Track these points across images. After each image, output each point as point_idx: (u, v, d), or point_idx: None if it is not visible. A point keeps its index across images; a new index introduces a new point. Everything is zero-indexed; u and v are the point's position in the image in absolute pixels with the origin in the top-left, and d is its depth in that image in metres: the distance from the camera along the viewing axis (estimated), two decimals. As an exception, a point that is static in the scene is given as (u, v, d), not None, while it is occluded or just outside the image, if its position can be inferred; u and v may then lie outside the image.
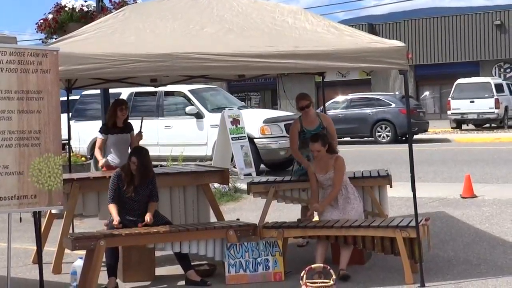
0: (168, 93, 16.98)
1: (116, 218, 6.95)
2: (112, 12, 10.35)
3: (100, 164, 8.58)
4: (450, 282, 6.69)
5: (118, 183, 7.13)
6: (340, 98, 27.19)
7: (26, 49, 5.91)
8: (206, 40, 6.87)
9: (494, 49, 39.97)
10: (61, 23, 11.26)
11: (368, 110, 25.58)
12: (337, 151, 7.54)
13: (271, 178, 8.65)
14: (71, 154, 10.89)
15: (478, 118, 29.32)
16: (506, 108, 29.30)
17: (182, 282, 7.09)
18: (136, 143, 8.60)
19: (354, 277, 6.95)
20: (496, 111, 28.78)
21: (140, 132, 8.91)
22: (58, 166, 6.00)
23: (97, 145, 8.76)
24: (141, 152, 7.20)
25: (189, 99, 16.76)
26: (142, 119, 8.98)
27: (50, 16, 11.35)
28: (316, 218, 7.71)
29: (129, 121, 8.85)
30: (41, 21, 11.50)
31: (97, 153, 8.74)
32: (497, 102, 28.72)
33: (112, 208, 7.06)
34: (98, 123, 10.31)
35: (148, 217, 7.05)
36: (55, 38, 10.78)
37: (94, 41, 6.77)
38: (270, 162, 16.30)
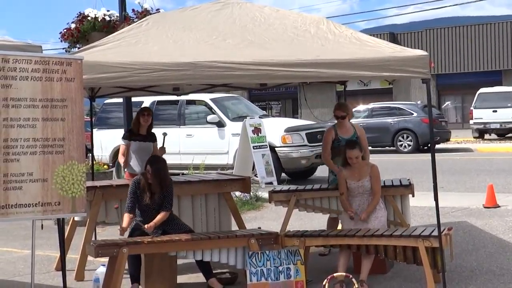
0: (189, 102, 17.08)
1: (124, 224, 6.95)
2: (134, 21, 10.42)
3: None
4: (473, 292, 6.66)
5: (137, 190, 7.16)
6: (361, 107, 27.15)
7: (51, 58, 5.97)
8: (228, 50, 6.90)
9: (517, 58, 39.70)
10: (84, 32, 11.33)
11: (389, 119, 25.51)
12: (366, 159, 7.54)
13: (293, 187, 8.65)
14: (94, 162, 10.96)
15: (500, 128, 29.12)
16: (529, 118, 29.11)
17: (204, 290, 7.11)
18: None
19: (376, 287, 6.92)
20: (519, 120, 28.59)
21: (162, 147, 8.95)
22: (81, 174, 6.05)
23: (121, 151, 8.86)
24: (155, 162, 7.22)
25: (210, 108, 16.83)
26: (164, 136, 9.02)
27: (73, 25, 11.43)
28: (339, 227, 7.71)
29: (153, 131, 8.91)
30: (65, 30, 11.59)
31: (120, 159, 8.84)
32: (520, 111, 28.52)
33: (125, 217, 7.08)
34: (120, 132, 10.37)
35: (147, 225, 6.99)
36: (78, 47, 10.85)
37: (117, 50, 6.82)
38: (291, 171, 16.30)
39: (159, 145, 8.96)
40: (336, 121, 8.39)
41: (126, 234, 7.14)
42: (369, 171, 7.38)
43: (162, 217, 7.10)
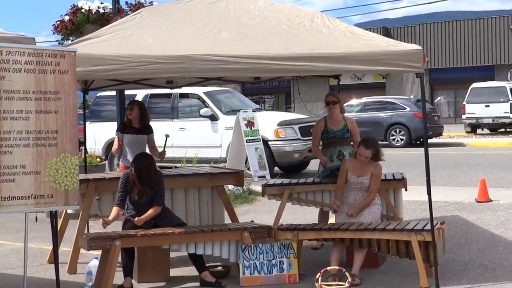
0: (183, 95, 17.07)
1: (109, 218, 6.93)
2: (128, 14, 10.39)
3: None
4: (465, 286, 6.67)
5: (126, 184, 7.15)
6: (354, 101, 27.17)
7: (44, 50, 5.95)
8: (222, 44, 6.89)
9: (510, 53, 39.78)
10: (78, 24, 11.29)
11: (382, 114, 25.54)
12: (382, 160, 7.50)
13: (286, 181, 8.66)
14: (87, 155, 10.94)
15: (493, 123, 29.21)
16: (521, 113, 29.19)
17: (197, 283, 7.11)
18: (151, 149, 8.66)
19: (369, 280, 6.94)
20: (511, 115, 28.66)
21: (163, 151, 8.92)
22: (74, 166, 6.03)
23: (115, 141, 8.88)
24: (138, 159, 7.20)
25: (203, 101, 16.82)
26: (166, 138, 8.97)
27: (67, 17, 11.38)
28: (332, 220, 7.72)
29: (150, 123, 8.89)
30: (58, 22, 11.54)
31: (113, 148, 8.90)
32: (512, 106, 28.62)
33: (114, 210, 7.07)
34: (113, 125, 10.37)
35: (137, 218, 6.95)
36: (72, 40, 10.82)
37: (111, 42, 6.80)
38: (284, 165, 16.31)
39: (160, 148, 8.92)
40: (327, 113, 8.44)
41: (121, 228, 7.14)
42: (371, 169, 7.38)
43: (153, 212, 7.07)
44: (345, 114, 8.72)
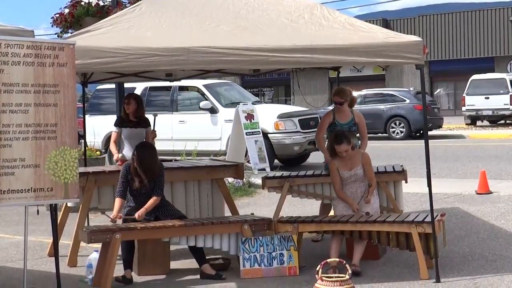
0: (182, 88, 17.05)
1: (114, 213, 6.95)
2: (127, 6, 10.35)
3: (114, 158, 8.51)
4: (466, 277, 6.67)
5: (127, 175, 7.14)
6: (354, 93, 27.10)
7: (43, 43, 5.93)
8: (222, 36, 6.87)
9: (509, 45, 39.75)
10: (77, 17, 11.26)
11: (382, 106, 25.53)
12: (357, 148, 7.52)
13: (286, 173, 8.64)
14: (86, 148, 10.93)
15: (493, 115, 29.19)
16: (521, 105, 29.16)
17: (197, 276, 7.11)
18: (151, 140, 8.61)
19: (369, 272, 6.94)
20: (511, 107, 28.65)
21: (153, 130, 8.87)
22: (74, 159, 6.02)
23: (112, 138, 8.78)
24: (141, 148, 7.19)
25: (203, 94, 16.80)
26: (155, 118, 8.90)
27: (66, 10, 11.36)
28: (331, 213, 7.71)
29: (146, 116, 8.85)
30: (57, 15, 11.52)
31: (112, 146, 8.75)
32: (512, 98, 28.60)
33: (116, 202, 7.06)
34: (113, 118, 10.35)
35: (137, 213, 6.95)
36: (71, 33, 10.79)
37: (110, 35, 6.78)
38: (284, 157, 16.31)
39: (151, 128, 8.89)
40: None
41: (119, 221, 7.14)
42: (360, 159, 7.38)
43: (153, 202, 7.07)
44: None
